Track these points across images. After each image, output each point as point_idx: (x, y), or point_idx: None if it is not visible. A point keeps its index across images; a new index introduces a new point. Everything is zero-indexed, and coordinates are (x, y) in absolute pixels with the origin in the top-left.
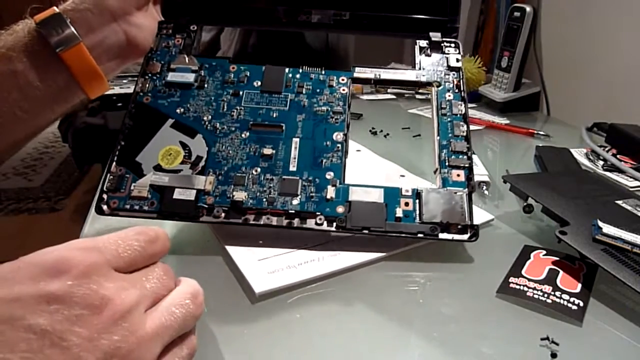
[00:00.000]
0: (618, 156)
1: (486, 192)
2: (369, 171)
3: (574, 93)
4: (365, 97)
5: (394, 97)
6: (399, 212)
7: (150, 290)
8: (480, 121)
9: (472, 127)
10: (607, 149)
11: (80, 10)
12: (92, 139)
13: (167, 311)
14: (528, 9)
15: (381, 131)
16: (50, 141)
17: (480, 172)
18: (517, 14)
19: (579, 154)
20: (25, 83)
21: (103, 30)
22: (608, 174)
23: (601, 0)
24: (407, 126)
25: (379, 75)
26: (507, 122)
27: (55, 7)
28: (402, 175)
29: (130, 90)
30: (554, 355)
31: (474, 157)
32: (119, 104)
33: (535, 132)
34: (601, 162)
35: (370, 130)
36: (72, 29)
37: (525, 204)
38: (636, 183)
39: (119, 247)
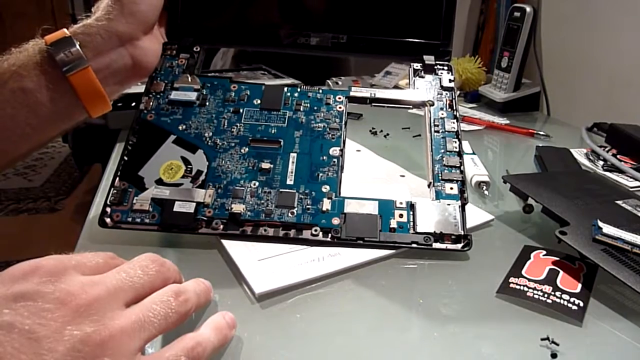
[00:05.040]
0: (618, 156)
1: (486, 192)
2: (369, 171)
3: (574, 93)
4: None
5: None
6: (393, 223)
7: (128, 284)
8: (480, 121)
9: (472, 127)
10: (607, 149)
11: (90, 34)
12: (92, 139)
13: (147, 307)
14: (528, 9)
15: (381, 131)
16: None
17: (480, 172)
18: (517, 14)
19: (579, 154)
20: (34, 101)
21: (110, 54)
22: (608, 174)
23: (601, 0)
24: (407, 126)
25: (374, 94)
26: (507, 122)
27: (65, 30)
28: (402, 175)
29: (131, 91)
30: (554, 355)
31: (474, 157)
32: (119, 104)
33: (535, 132)
34: (601, 162)
35: (370, 130)
36: (81, 52)
37: (525, 204)
38: (636, 183)
39: (90, 261)
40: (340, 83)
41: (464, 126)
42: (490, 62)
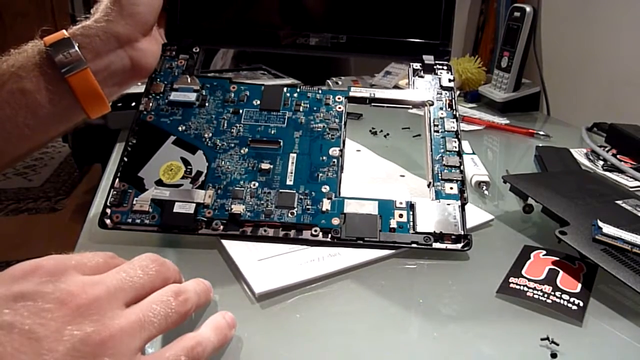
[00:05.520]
0: (618, 156)
1: (486, 192)
2: (369, 171)
3: (574, 93)
4: None
5: None
6: (393, 223)
7: (129, 284)
8: (480, 121)
9: (472, 127)
10: (607, 149)
11: (89, 35)
12: (92, 139)
13: (147, 307)
14: (528, 9)
15: (381, 131)
16: None
17: (480, 172)
18: (517, 14)
19: (579, 154)
20: (33, 102)
21: (109, 55)
22: (608, 174)
23: (601, 0)
24: (407, 126)
25: (374, 94)
26: (507, 122)
27: (64, 31)
28: (402, 175)
29: (131, 91)
30: (554, 355)
31: (474, 157)
32: (119, 104)
33: (535, 132)
34: (601, 162)
35: (370, 130)
36: (80, 53)
37: (525, 204)
38: (636, 183)
39: (91, 261)
40: (340, 83)
41: (464, 126)
42: (490, 62)
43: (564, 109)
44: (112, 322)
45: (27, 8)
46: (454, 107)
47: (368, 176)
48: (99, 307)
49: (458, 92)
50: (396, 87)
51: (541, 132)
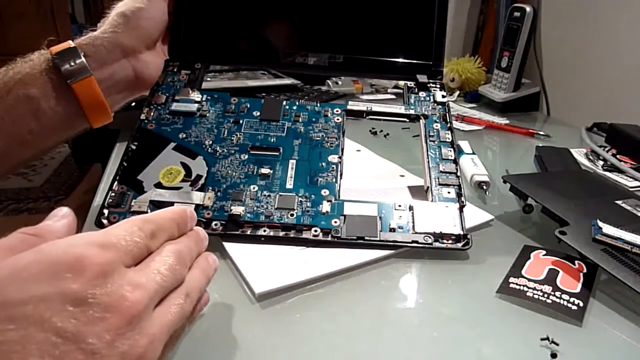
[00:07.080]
0: (618, 156)
1: (486, 192)
2: (369, 171)
3: (574, 93)
4: (365, 97)
5: (393, 97)
6: (393, 224)
7: (162, 287)
8: (480, 121)
9: (472, 127)
10: (607, 149)
11: (95, 45)
12: (92, 139)
13: (169, 311)
14: (528, 9)
15: (381, 131)
16: None
17: (480, 172)
18: (517, 14)
19: (579, 154)
20: (38, 108)
21: (113, 65)
22: (608, 174)
23: (601, 0)
24: (407, 126)
25: (371, 108)
26: (507, 122)
27: (70, 42)
28: (402, 175)
29: None
30: (554, 355)
31: (474, 157)
32: None
33: (535, 132)
34: (601, 162)
35: (370, 130)
36: (85, 62)
37: (525, 204)
38: (636, 183)
39: (130, 245)
40: (340, 83)
41: (464, 126)
42: (490, 62)
43: (564, 109)
44: (150, 331)
45: (26, 8)
46: (448, 121)
47: (368, 176)
48: (140, 316)
49: (458, 92)
50: (396, 87)
51: (541, 132)
